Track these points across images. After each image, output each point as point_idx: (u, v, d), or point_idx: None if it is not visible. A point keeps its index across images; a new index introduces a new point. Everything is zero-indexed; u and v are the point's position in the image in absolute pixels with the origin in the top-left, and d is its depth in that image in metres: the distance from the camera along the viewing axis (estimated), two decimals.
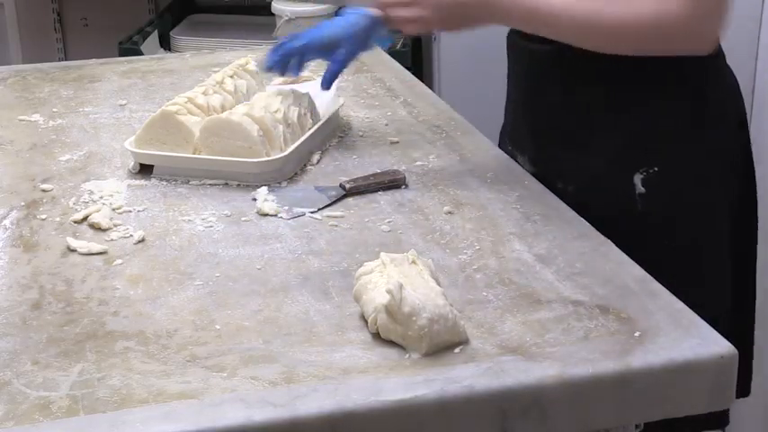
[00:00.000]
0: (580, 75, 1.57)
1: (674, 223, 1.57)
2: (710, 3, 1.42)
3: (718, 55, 1.56)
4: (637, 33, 1.45)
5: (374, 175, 1.64)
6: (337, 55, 1.70)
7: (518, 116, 1.74)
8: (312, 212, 1.53)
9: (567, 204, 1.52)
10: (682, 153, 1.56)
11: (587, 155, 1.60)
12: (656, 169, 1.56)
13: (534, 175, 1.65)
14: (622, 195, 1.57)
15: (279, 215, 1.53)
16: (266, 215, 1.53)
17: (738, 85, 1.63)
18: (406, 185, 1.63)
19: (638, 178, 1.56)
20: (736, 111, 1.62)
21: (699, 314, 1.23)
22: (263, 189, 1.60)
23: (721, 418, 1.58)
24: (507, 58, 1.72)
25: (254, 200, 1.57)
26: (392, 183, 1.62)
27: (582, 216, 1.48)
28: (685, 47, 1.46)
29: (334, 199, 1.57)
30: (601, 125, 1.58)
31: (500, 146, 1.80)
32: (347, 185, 1.60)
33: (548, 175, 1.63)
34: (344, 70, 1.75)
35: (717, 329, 1.20)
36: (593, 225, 1.45)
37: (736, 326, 1.60)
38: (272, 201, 1.56)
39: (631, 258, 1.36)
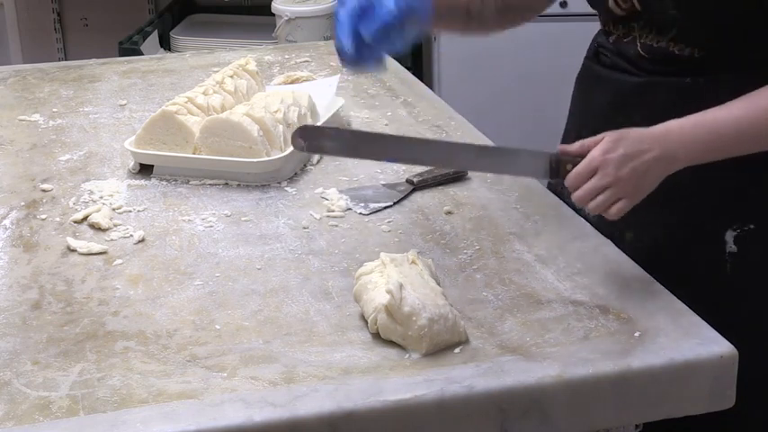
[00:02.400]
0: (671, 112, 1.33)
1: (765, 290, 1.42)
2: None
3: None
4: None
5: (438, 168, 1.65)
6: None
7: None
8: (389, 206, 1.54)
9: (639, 261, 1.37)
10: None
11: (670, 205, 1.40)
12: (751, 227, 1.40)
13: (595, 222, 1.46)
14: (710, 253, 1.42)
15: (358, 212, 1.53)
16: (336, 213, 1.53)
17: None
18: (469, 178, 1.64)
19: (729, 235, 1.41)
20: None
21: None
22: (333, 190, 1.60)
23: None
24: (578, 84, 1.58)
25: (325, 199, 1.57)
26: (456, 175, 1.64)
27: (656, 274, 1.33)
28: None
29: (405, 194, 1.58)
30: (690, 173, 1.33)
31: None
32: (414, 180, 1.61)
33: (614, 224, 1.36)
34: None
35: None
36: (669, 283, 1.30)
37: None
38: (346, 199, 1.57)
39: (715, 323, 1.22)
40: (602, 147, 1.27)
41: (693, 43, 1.37)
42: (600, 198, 1.26)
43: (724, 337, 1.19)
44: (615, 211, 1.26)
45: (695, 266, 1.42)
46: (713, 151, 1.30)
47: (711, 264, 1.42)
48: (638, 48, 1.42)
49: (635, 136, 1.28)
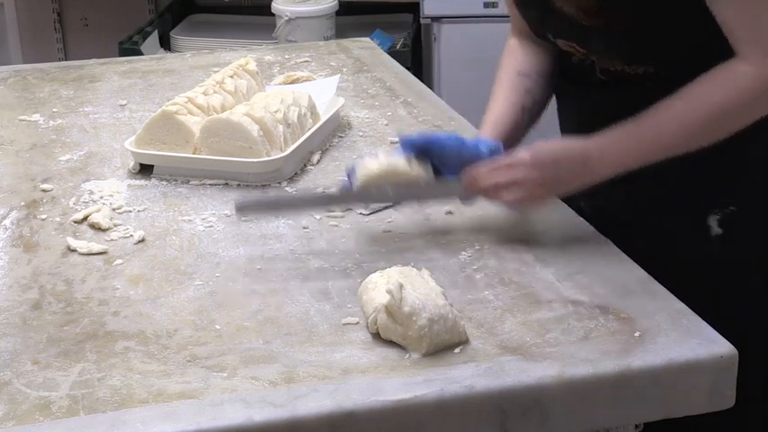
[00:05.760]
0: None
1: (754, 266, 1.48)
2: None
3: None
4: (743, 107, 1.35)
5: None
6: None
7: None
8: (389, 206, 1.54)
9: (634, 249, 1.40)
10: (761, 191, 1.47)
11: (654, 194, 1.47)
12: (732, 209, 1.47)
13: (590, 215, 1.52)
14: (696, 238, 1.48)
15: (358, 212, 1.53)
16: (336, 213, 1.52)
17: None
18: None
19: (713, 219, 1.47)
20: None
21: None
22: (333, 190, 1.59)
23: None
24: (560, 101, 1.64)
25: None
26: None
27: (647, 262, 1.36)
28: None
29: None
30: (668, 161, 1.40)
31: None
32: None
33: (604, 218, 1.49)
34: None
35: None
36: (660, 271, 1.33)
37: None
38: None
39: (704, 305, 1.25)
40: (529, 149, 1.38)
41: (648, 64, 1.43)
42: (517, 194, 1.37)
43: (716, 326, 1.21)
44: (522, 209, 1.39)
45: (684, 252, 1.47)
46: (626, 164, 1.38)
47: (698, 248, 1.47)
48: (598, 72, 1.48)
49: (562, 148, 1.39)
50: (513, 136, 1.53)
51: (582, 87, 1.55)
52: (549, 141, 1.40)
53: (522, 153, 1.39)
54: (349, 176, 1.46)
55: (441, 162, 1.44)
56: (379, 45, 2.51)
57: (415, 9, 3.18)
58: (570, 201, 1.53)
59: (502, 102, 1.57)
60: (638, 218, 1.51)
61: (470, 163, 1.41)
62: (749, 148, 1.43)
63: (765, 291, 1.48)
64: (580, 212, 1.51)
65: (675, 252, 1.47)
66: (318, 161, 1.74)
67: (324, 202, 1.51)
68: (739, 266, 1.47)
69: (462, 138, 1.48)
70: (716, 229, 1.46)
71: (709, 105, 1.34)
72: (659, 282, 1.30)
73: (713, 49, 1.36)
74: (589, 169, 1.37)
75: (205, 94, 1.77)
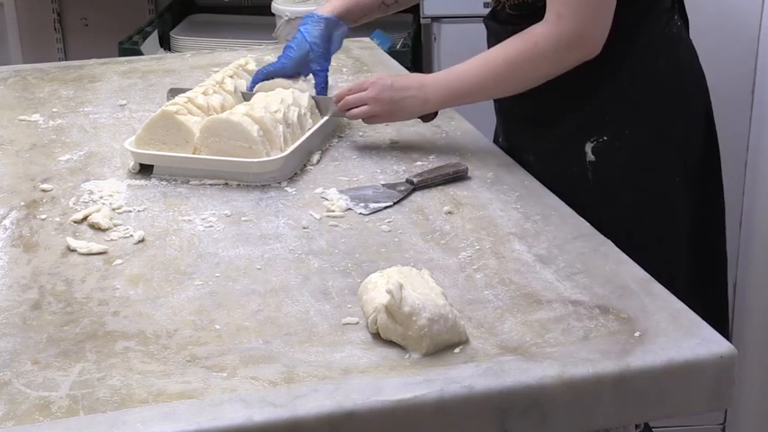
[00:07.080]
0: None
1: (620, 189, 1.70)
2: (591, 11, 1.58)
3: (670, 43, 1.70)
4: (543, 60, 1.61)
5: (438, 168, 1.67)
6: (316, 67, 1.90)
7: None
8: (389, 206, 1.55)
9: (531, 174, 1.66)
10: (627, 124, 1.68)
11: (546, 126, 1.74)
12: (605, 138, 1.68)
13: (507, 149, 1.81)
14: (576, 162, 1.71)
15: (358, 212, 1.54)
16: (336, 213, 1.53)
17: (688, 64, 1.74)
18: (469, 177, 1.66)
19: (588, 147, 1.69)
20: (682, 89, 1.72)
21: (654, 276, 1.32)
22: (333, 190, 1.60)
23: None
24: (490, 40, 1.83)
25: (325, 199, 1.58)
26: (456, 174, 1.65)
27: (541, 177, 1.63)
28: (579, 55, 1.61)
29: (405, 194, 1.59)
30: (559, 102, 1.71)
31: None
32: (414, 180, 1.62)
33: (516, 149, 1.80)
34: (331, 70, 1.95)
35: (673, 287, 1.29)
36: (551, 186, 1.60)
37: (705, 288, 1.79)
38: (345, 199, 1.57)
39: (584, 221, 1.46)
40: (378, 75, 1.73)
41: None
42: (360, 109, 1.71)
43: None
44: (369, 122, 1.74)
45: (566, 171, 1.70)
46: (455, 99, 1.70)
47: (577, 170, 1.71)
48: (507, 9, 1.73)
49: (404, 77, 1.74)
50: (356, 12, 1.91)
51: (499, 24, 1.77)
52: None
53: (371, 77, 1.74)
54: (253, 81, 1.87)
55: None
56: (379, 45, 2.51)
57: (415, 9, 3.18)
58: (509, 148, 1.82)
59: None
60: (537, 143, 1.76)
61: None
62: (623, 87, 1.66)
63: (629, 212, 1.69)
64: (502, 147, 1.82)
65: (562, 171, 1.69)
66: (318, 161, 1.74)
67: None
68: (607, 191, 1.69)
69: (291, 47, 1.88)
70: (590, 155, 1.69)
71: (504, 58, 1.62)
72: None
73: None
74: (423, 93, 1.68)
75: (205, 94, 1.78)
